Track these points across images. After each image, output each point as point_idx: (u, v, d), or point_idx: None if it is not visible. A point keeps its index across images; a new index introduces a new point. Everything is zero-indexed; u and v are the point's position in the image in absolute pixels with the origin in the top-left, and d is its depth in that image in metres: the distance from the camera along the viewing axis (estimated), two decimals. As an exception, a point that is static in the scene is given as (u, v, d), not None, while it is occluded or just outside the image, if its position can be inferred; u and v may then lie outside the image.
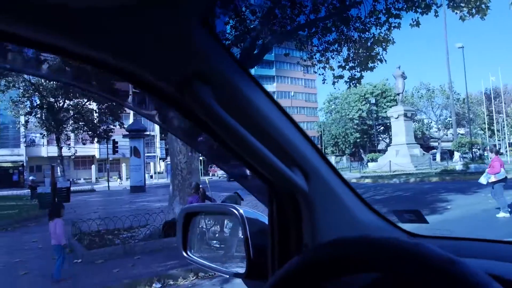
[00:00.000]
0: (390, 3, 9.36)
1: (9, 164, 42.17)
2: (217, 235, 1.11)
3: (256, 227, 0.90)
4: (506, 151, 34.81)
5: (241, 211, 0.92)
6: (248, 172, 0.88)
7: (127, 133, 26.12)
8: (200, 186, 7.99)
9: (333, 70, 11.16)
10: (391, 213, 1.15)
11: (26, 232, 10.60)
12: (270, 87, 67.67)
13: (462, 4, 9.59)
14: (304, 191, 0.76)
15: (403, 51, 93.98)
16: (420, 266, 0.38)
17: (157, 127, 52.06)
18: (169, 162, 42.39)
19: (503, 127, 39.34)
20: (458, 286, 0.34)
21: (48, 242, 8.92)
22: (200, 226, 1.12)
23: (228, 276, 0.97)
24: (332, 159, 45.03)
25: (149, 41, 0.55)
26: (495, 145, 14.84)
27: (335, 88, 14.12)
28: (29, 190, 22.77)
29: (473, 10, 9.61)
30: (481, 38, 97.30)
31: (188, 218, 1.11)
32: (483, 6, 9.56)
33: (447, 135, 51.61)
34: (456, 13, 9.86)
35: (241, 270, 0.93)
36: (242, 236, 0.92)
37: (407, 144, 28.76)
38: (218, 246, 1.09)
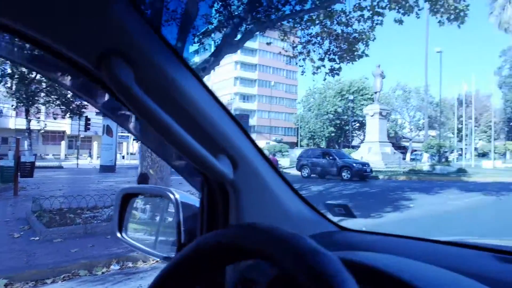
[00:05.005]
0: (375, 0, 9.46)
1: (-27, 134, 40.53)
2: (152, 217, 1.08)
3: (190, 211, 0.89)
4: (471, 156, 36.16)
5: (177, 195, 0.90)
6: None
7: (101, 110, 25.45)
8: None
9: (314, 62, 11.22)
10: (323, 206, 1.15)
11: (-15, 205, 10.19)
12: (252, 75, 67.44)
13: (442, 10, 9.73)
14: (230, 179, 0.75)
15: (384, 51, 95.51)
16: (291, 255, 0.40)
17: (132, 107, 51.02)
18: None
19: (471, 133, 40.73)
20: (311, 273, 0.37)
21: (7, 216, 8.64)
22: (136, 207, 1.08)
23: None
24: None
25: (61, 8, 0.49)
26: None
27: (313, 81, 14.27)
28: (-8, 162, 21.96)
29: (452, 17, 9.80)
30: (459, 45, 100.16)
31: (126, 199, 1.07)
32: (461, 13, 9.75)
33: (419, 136, 53.12)
34: (436, 17, 10.03)
35: (172, 254, 0.91)
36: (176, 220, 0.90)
37: (379, 142, 29.44)
38: (152, 228, 1.06)
